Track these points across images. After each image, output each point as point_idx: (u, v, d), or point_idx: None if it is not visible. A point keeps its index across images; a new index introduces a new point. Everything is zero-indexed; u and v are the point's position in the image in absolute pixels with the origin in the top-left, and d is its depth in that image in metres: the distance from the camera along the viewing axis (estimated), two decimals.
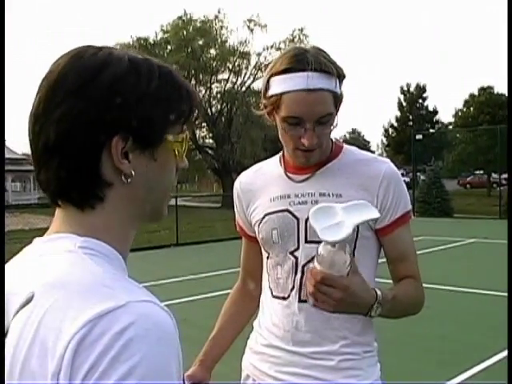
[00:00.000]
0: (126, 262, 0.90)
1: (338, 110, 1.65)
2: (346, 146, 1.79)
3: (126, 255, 0.91)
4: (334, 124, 1.65)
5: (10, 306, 0.81)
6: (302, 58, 1.58)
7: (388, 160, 1.77)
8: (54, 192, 0.87)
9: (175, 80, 0.90)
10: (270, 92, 1.63)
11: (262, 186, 1.81)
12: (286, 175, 1.76)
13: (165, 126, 0.88)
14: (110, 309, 0.72)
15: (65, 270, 0.80)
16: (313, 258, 1.61)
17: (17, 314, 0.79)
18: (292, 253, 1.71)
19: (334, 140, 1.77)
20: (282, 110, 1.61)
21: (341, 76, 1.63)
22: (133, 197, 0.88)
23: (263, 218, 1.76)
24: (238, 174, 1.94)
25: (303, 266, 1.69)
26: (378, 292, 1.55)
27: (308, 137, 1.61)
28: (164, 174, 0.92)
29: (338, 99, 1.63)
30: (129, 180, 0.86)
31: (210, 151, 35.10)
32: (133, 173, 0.86)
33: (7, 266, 0.91)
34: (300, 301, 1.69)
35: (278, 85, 1.61)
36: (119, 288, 0.77)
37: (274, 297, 1.76)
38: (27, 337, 0.76)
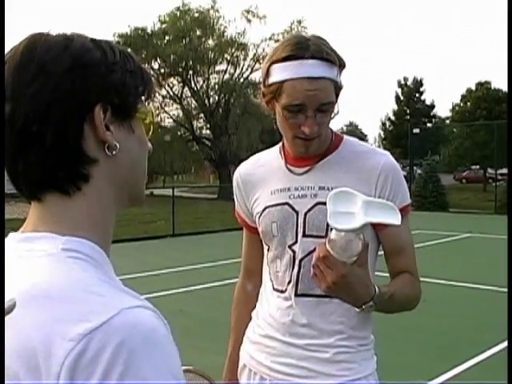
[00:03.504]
0: (109, 256, 0.87)
1: (337, 99, 1.65)
2: (345, 138, 1.78)
3: (109, 250, 0.88)
4: (335, 112, 1.65)
5: None
6: (304, 46, 1.58)
7: (387, 152, 1.76)
8: (34, 181, 0.83)
9: (133, 56, 0.91)
10: (271, 80, 1.62)
11: (263, 178, 1.80)
12: (287, 167, 1.75)
13: (137, 96, 0.89)
14: (104, 320, 0.69)
15: (47, 277, 0.76)
16: (310, 253, 1.61)
17: None
18: (290, 246, 1.70)
19: (334, 131, 1.76)
20: (283, 98, 1.60)
21: (341, 65, 1.63)
22: (116, 175, 0.86)
23: (263, 210, 1.76)
24: (235, 165, 1.93)
25: (300, 260, 1.68)
26: (377, 291, 1.53)
27: (309, 124, 1.60)
28: (143, 149, 0.91)
29: (338, 88, 1.63)
30: (113, 152, 0.84)
31: (207, 142, 35.00)
32: (117, 145, 0.84)
33: None
34: (296, 295, 1.69)
35: (279, 72, 1.60)
36: (108, 294, 0.74)
37: (274, 289, 1.76)
38: (11, 348, 0.72)
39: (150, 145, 0.94)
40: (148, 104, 0.92)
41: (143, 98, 0.91)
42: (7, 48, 0.86)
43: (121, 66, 0.86)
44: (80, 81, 0.81)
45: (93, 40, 0.87)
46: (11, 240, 0.86)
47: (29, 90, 0.80)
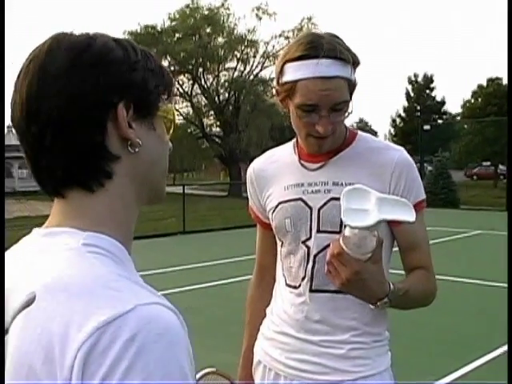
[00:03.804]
0: (130, 253, 0.87)
1: (351, 97, 1.64)
2: (359, 133, 1.78)
3: (130, 246, 0.89)
4: (349, 111, 1.65)
5: (10, 304, 0.78)
6: (318, 45, 1.57)
7: (401, 148, 1.75)
8: (58, 178, 0.84)
9: (153, 56, 0.92)
10: (285, 79, 1.62)
11: (276, 174, 1.80)
12: (300, 163, 1.76)
13: (158, 95, 0.90)
14: (118, 314, 0.70)
15: (67, 271, 0.77)
16: (324, 248, 1.62)
17: (18, 314, 0.76)
18: (304, 242, 1.71)
19: (348, 127, 1.76)
20: (296, 97, 1.60)
21: (355, 63, 1.62)
22: (137, 172, 0.88)
23: (277, 206, 1.76)
24: (245, 162, 1.93)
25: (315, 256, 1.69)
26: (391, 288, 1.54)
27: (323, 124, 1.60)
28: (163, 147, 0.92)
29: (352, 86, 1.63)
30: (136, 150, 0.85)
31: (217, 139, 35.03)
32: (139, 142, 0.85)
33: (7, 256, 0.88)
34: (311, 290, 1.69)
35: (293, 72, 1.59)
36: (126, 290, 0.75)
37: (287, 285, 1.76)
38: (31, 341, 0.73)
39: (170, 144, 0.95)
40: (169, 103, 0.93)
41: (164, 97, 0.92)
42: (31, 48, 0.87)
43: (142, 64, 0.87)
44: (103, 79, 0.83)
45: (115, 39, 0.88)
46: (35, 235, 0.87)
47: (53, 88, 0.81)
